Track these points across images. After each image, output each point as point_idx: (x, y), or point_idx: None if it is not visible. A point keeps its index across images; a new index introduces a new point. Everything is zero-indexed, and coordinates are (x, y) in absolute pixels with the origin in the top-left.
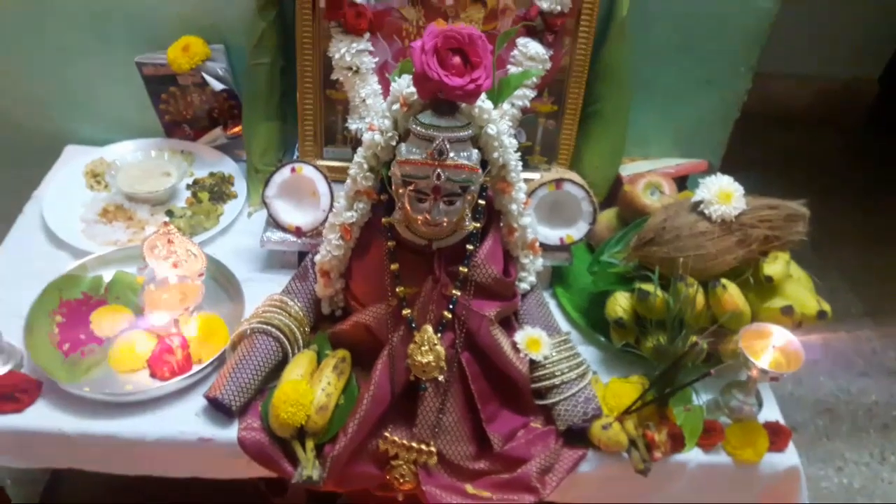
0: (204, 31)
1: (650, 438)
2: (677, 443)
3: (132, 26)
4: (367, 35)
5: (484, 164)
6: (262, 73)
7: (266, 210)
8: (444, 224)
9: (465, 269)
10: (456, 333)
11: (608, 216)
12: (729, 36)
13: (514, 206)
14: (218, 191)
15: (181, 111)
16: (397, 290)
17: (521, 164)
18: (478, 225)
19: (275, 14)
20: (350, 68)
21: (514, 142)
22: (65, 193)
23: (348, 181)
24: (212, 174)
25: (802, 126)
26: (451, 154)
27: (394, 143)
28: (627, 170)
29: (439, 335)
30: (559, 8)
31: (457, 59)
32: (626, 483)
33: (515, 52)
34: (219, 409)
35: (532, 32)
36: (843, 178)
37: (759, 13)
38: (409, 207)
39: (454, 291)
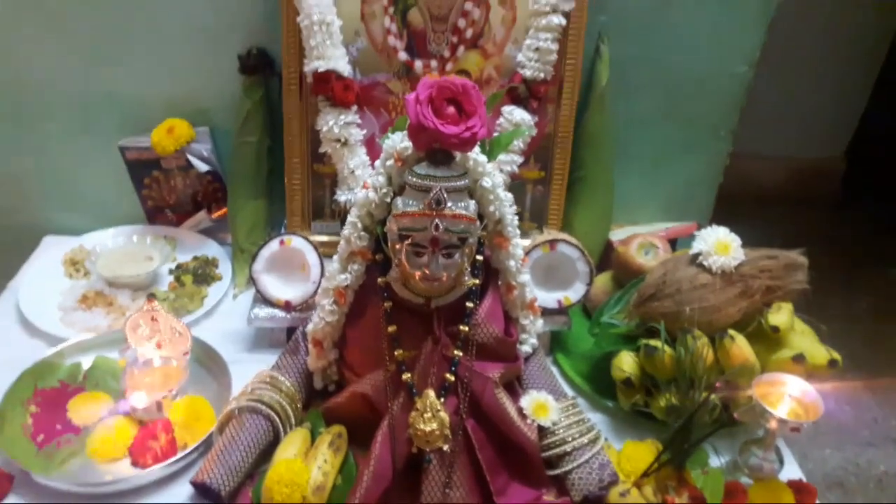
0: (189, 115)
1: (671, 503)
2: None
3: (116, 112)
4: (355, 108)
5: (480, 218)
6: (249, 152)
7: (253, 286)
8: (444, 279)
9: (466, 328)
10: (460, 398)
11: (603, 280)
12: (708, 101)
13: (511, 263)
14: (202, 273)
15: (164, 196)
16: (396, 353)
17: (517, 218)
18: (477, 282)
19: (261, 94)
20: (338, 140)
21: (510, 195)
22: (42, 282)
23: (342, 243)
24: (195, 258)
25: (778, 204)
26: (449, 204)
27: (388, 200)
28: (617, 235)
29: (442, 400)
30: (542, 75)
31: (451, 109)
32: None
33: (501, 119)
34: (207, 497)
35: (517, 100)
36: (821, 252)
37: (736, 78)
38: (406, 263)
39: (456, 352)
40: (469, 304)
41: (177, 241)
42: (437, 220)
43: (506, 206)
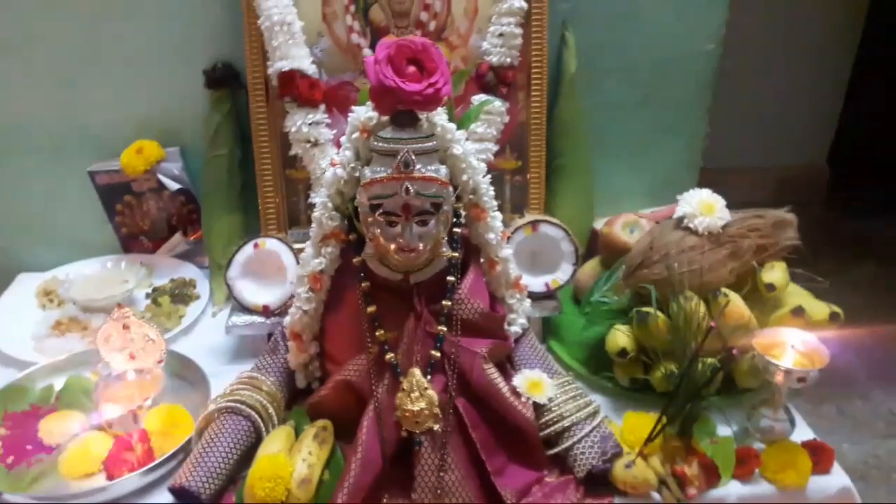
0: (158, 136)
1: (681, 473)
2: (711, 475)
3: (85, 140)
4: (323, 107)
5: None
6: (221, 165)
7: (230, 293)
8: (420, 249)
9: (449, 303)
10: (447, 376)
11: (591, 266)
12: (680, 83)
13: (491, 236)
14: (179, 293)
15: (137, 222)
16: (377, 334)
17: (492, 189)
18: (456, 254)
19: (229, 107)
20: (308, 140)
21: (483, 165)
22: (14, 315)
23: (313, 226)
24: (172, 280)
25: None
26: (418, 166)
27: (357, 175)
28: (601, 224)
29: (429, 378)
30: (508, 60)
31: (412, 68)
32: None
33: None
34: (187, 502)
35: (486, 88)
36: (813, 258)
37: (704, 56)
38: (380, 235)
39: (440, 328)
40: (450, 279)
41: (153, 266)
42: (406, 184)
43: (479, 174)
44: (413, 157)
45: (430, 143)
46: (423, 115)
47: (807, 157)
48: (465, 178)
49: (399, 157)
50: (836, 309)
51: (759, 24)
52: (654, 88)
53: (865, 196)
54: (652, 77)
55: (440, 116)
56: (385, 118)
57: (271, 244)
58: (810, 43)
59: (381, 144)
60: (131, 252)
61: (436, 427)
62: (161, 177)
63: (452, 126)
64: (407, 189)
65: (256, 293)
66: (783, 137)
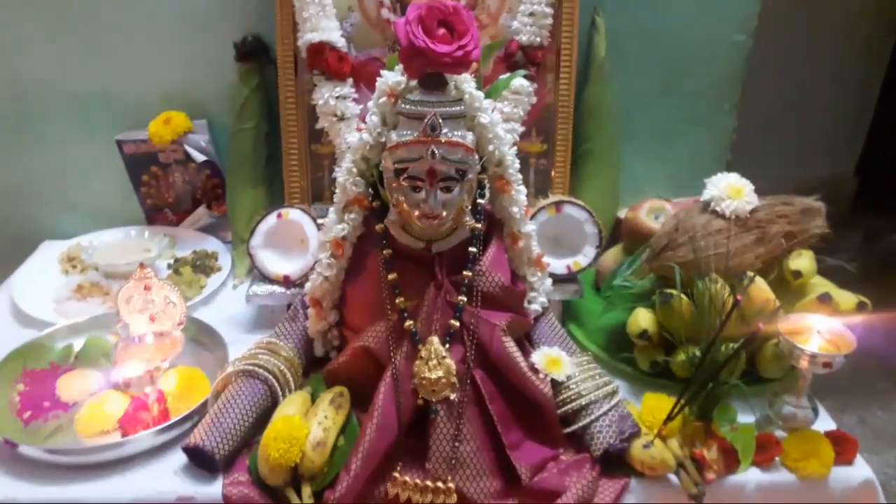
0: (186, 108)
1: (700, 457)
2: (731, 460)
3: (113, 109)
4: (350, 81)
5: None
6: (247, 139)
7: (252, 263)
8: (443, 216)
9: (469, 274)
10: (466, 346)
11: (613, 253)
12: (708, 73)
13: (515, 210)
14: (201, 264)
15: (163, 194)
16: (397, 301)
17: (518, 162)
18: (478, 225)
19: (257, 80)
20: (335, 114)
21: (510, 136)
22: (37, 279)
23: (337, 192)
24: (195, 252)
25: None
26: (445, 130)
27: (383, 140)
28: (625, 213)
29: (447, 346)
30: (538, 40)
31: (442, 31)
32: None
33: None
34: (200, 463)
35: (515, 67)
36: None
37: (734, 47)
38: (404, 201)
39: (460, 298)
40: (472, 250)
41: (176, 238)
42: (432, 147)
43: (506, 146)
44: (440, 121)
45: (458, 108)
46: (451, 80)
47: (834, 166)
48: (490, 148)
49: (426, 121)
50: (864, 299)
51: (791, 32)
52: (683, 78)
53: (894, 207)
54: (681, 66)
55: (468, 84)
56: (413, 83)
57: (294, 214)
58: (840, 52)
59: (408, 107)
60: (155, 224)
61: (452, 396)
62: (188, 148)
63: (480, 94)
64: (433, 153)
65: (278, 263)
66: (810, 146)
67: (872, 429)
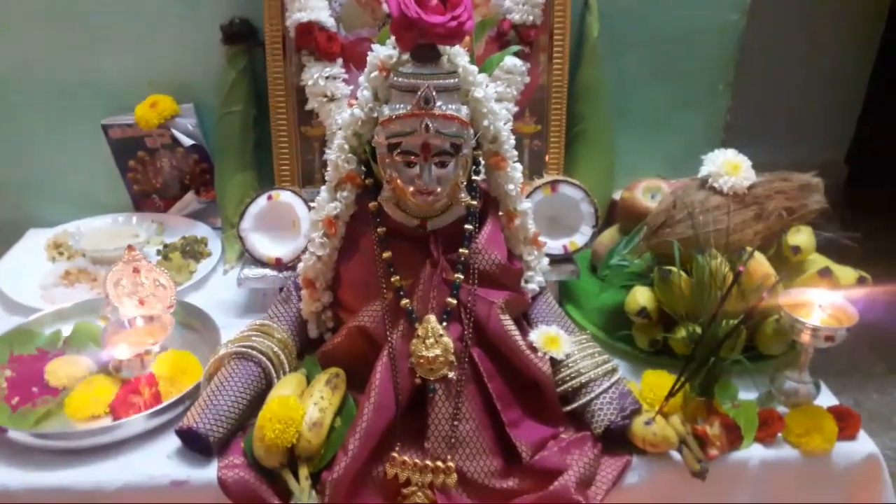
0: (173, 92)
1: (702, 433)
2: (733, 436)
3: (98, 95)
4: (340, 61)
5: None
6: (235, 122)
7: (242, 246)
8: (438, 191)
9: (466, 251)
10: (463, 324)
11: (609, 234)
12: (702, 54)
13: (511, 187)
14: (190, 250)
15: (150, 180)
16: (392, 280)
17: (513, 138)
18: (474, 202)
19: (245, 63)
20: (325, 95)
21: (504, 112)
22: (23, 266)
23: (329, 170)
24: (184, 237)
25: None
26: (439, 103)
27: (375, 115)
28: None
29: (444, 325)
30: (531, 19)
31: (434, 1)
32: (680, 491)
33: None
34: (194, 446)
35: (506, 46)
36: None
37: (728, 27)
38: (397, 177)
39: (457, 276)
40: (468, 227)
41: (165, 225)
42: (426, 121)
43: (500, 121)
44: (434, 94)
45: (452, 81)
46: (444, 53)
47: (824, 154)
48: (485, 123)
49: (419, 93)
50: (864, 273)
51: (781, 21)
52: (677, 58)
53: (883, 196)
54: (675, 46)
55: (462, 57)
56: (405, 56)
57: (285, 196)
58: (830, 40)
59: (400, 80)
60: (143, 210)
61: (451, 375)
62: (175, 132)
63: (474, 68)
64: (427, 126)
65: (269, 246)
66: (800, 134)
67: (867, 411)
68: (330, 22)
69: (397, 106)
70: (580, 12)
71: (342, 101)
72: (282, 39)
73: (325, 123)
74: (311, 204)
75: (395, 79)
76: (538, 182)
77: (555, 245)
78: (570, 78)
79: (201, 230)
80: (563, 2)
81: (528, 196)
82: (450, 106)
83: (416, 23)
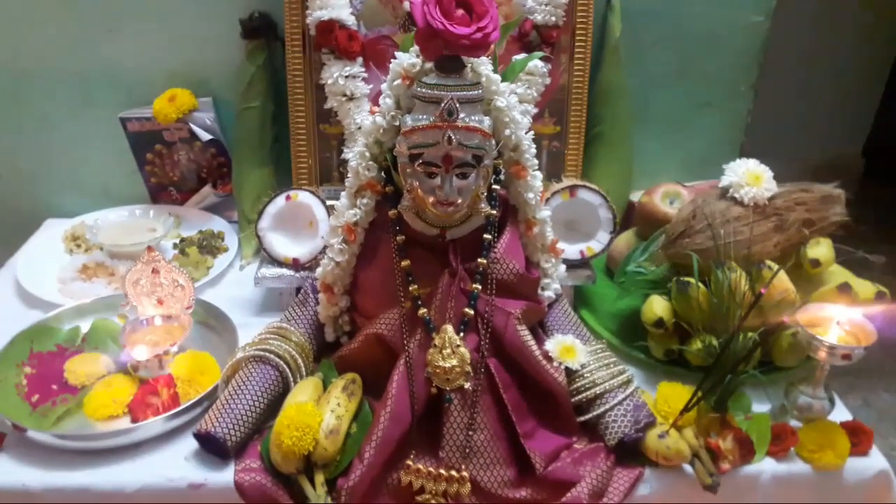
0: (191, 85)
1: (715, 447)
2: (746, 450)
3: (116, 87)
4: (360, 60)
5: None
6: (253, 117)
7: (260, 245)
8: (458, 202)
9: (484, 261)
10: (480, 335)
11: (626, 237)
12: (724, 55)
13: (530, 195)
14: (207, 245)
15: (167, 172)
16: (410, 289)
17: (534, 147)
18: (494, 212)
19: (264, 58)
20: (344, 94)
21: (527, 120)
22: (41, 258)
23: (349, 176)
24: (201, 231)
25: None
26: (462, 115)
27: (397, 124)
28: (639, 197)
29: (461, 335)
30: (553, 19)
31: (460, 11)
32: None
33: None
34: (211, 449)
35: (528, 48)
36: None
37: (752, 29)
38: (418, 187)
39: (474, 286)
40: (487, 237)
41: (181, 218)
42: (449, 133)
43: (522, 130)
44: (457, 105)
45: (476, 92)
46: (468, 63)
47: (842, 148)
48: (507, 132)
49: (443, 105)
50: (882, 288)
51: (801, 14)
52: (699, 59)
53: None
54: (697, 47)
55: (485, 66)
56: (428, 65)
57: (303, 196)
58: (849, 33)
59: (424, 90)
60: (160, 203)
61: (466, 385)
62: (193, 126)
63: (497, 77)
64: (449, 138)
65: (287, 246)
66: (818, 127)
67: (877, 411)
68: (351, 20)
69: (420, 117)
70: (602, 11)
71: (361, 100)
72: (302, 36)
73: (343, 122)
74: (330, 202)
75: (419, 89)
76: (557, 186)
77: (572, 250)
78: (590, 78)
79: (218, 224)
80: (586, 2)
81: (546, 200)
82: (473, 117)
83: (441, 34)
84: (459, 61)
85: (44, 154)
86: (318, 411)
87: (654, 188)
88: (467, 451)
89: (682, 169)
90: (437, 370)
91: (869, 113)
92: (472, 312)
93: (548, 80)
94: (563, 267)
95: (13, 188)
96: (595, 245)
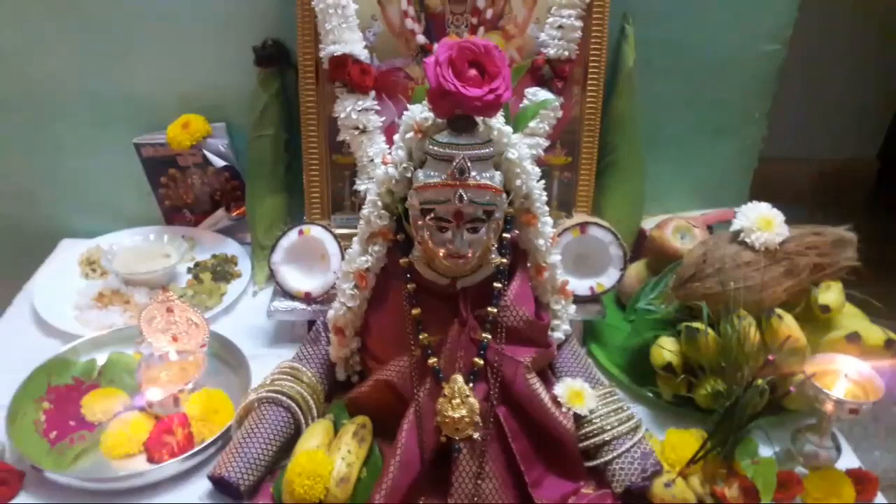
0: (204, 111)
1: (720, 495)
2: (751, 497)
3: (130, 110)
4: (373, 93)
5: (507, 194)
6: (266, 145)
7: (273, 278)
8: (469, 256)
9: (494, 310)
10: (489, 384)
11: (637, 269)
12: (739, 83)
13: (541, 242)
14: (221, 270)
15: (181, 195)
16: (420, 337)
17: (545, 195)
18: (504, 261)
19: (277, 86)
20: (357, 127)
21: (538, 169)
22: (57, 283)
23: (361, 223)
24: (214, 256)
25: (806, 207)
26: (473, 173)
27: (409, 175)
28: (650, 224)
29: (471, 386)
30: (566, 54)
31: (473, 72)
32: None
33: (525, 101)
34: (225, 491)
35: (541, 81)
36: (873, 278)
37: (766, 57)
38: (429, 239)
39: (484, 335)
40: (497, 285)
41: (195, 240)
42: (460, 191)
43: (533, 180)
44: (468, 164)
45: (487, 150)
46: (480, 119)
47: (858, 151)
48: (518, 182)
49: (454, 164)
50: (892, 335)
51: (819, 17)
52: (711, 87)
53: None
54: (709, 75)
55: (497, 119)
56: (441, 121)
57: (316, 231)
58: (865, 36)
59: (436, 149)
60: (173, 224)
61: (475, 435)
62: (207, 153)
63: (509, 129)
64: (461, 197)
65: (299, 280)
66: (833, 130)
67: (886, 426)
68: (364, 54)
69: (431, 173)
70: (615, 40)
71: (373, 133)
72: (315, 67)
73: (356, 154)
74: (340, 231)
75: (431, 147)
76: (567, 223)
77: (581, 286)
78: (602, 108)
79: (231, 247)
80: (600, 34)
81: (558, 236)
82: (484, 174)
83: (453, 95)
84: (471, 120)
85: (59, 175)
86: (329, 458)
87: (665, 222)
88: (475, 499)
89: (694, 195)
90: (447, 420)
91: (885, 116)
92: (481, 363)
93: (559, 114)
94: (573, 307)
95: (28, 209)
96: (605, 281)
